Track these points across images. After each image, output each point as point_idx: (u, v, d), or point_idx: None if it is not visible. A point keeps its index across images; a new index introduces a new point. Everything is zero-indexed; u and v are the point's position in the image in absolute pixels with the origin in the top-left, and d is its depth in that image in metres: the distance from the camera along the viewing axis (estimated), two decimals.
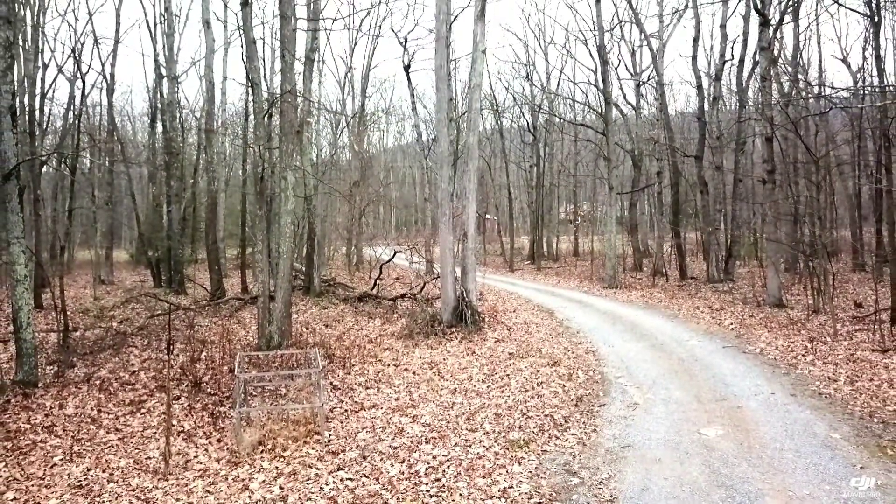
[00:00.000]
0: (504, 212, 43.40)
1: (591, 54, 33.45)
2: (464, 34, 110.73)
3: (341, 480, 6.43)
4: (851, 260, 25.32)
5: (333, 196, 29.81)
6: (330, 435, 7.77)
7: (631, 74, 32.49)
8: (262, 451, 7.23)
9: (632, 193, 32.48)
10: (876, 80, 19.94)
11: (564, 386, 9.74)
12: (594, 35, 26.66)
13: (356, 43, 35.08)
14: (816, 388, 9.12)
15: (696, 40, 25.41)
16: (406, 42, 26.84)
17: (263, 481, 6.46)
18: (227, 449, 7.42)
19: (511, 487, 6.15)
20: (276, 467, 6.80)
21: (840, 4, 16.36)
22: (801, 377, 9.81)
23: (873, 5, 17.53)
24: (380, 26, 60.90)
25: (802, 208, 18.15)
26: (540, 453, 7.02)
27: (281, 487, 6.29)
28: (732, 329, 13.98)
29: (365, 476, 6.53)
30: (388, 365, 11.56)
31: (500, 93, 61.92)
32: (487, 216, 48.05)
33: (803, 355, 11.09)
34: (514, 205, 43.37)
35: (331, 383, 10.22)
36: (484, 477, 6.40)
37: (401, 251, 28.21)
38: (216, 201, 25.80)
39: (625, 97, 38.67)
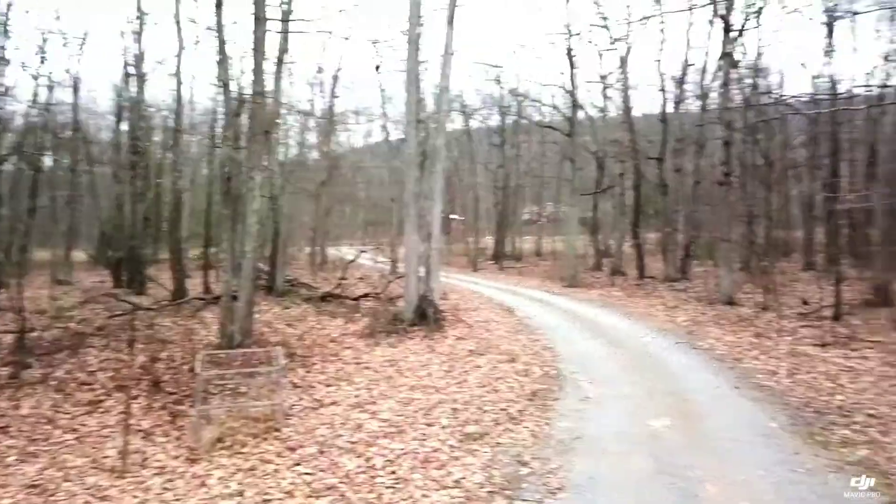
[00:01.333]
0: (470, 212, 43.68)
1: (559, 57, 33.97)
2: (435, 36, 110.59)
3: (299, 475, 6.57)
4: (803, 259, 26.13)
5: (300, 196, 29.73)
6: (289, 431, 7.90)
7: (598, 77, 32.93)
8: (221, 448, 7.34)
9: (595, 194, 32.98)
10: (837, 87, 20.64)
11: (521, 381, 9.99)
12: (563, 38, 27.08)
13: (327, 44, 34.97)
14: (758, 381, 9.54)
15: (661, 45, 26.06)
16: (376, 43, 26.99)
17: (221, 477, 6.57)
18: (186, 447, 7.50)
19: (464, 478, 6.34)
20: (235, 463, 6.91)
21: (797, 13, 16.94)
22: (745, 371, 10.23)
23: (829, 16, 18.25)
24: (351, 28, 60.63)
25: (757, 209, 18.76)
26: (494, 445, 7.22)
27: (239, 483, 6.41)
28: (685, 326, 14.45)
29: (322, 470, 6.68)
30: (349, 363, 11.72)
31: (470, 94, 62.17)
32: (453, 216, 48.28)
33: (749, 350, 11.55)
34: (479, 205, 43.69)
35: (291, 381, 10.32)
36: (439, 469, 6.59)
37: (366, 251, 28.28)
38: (181, 201, 25.55)
39: (591, 100, 39.33)
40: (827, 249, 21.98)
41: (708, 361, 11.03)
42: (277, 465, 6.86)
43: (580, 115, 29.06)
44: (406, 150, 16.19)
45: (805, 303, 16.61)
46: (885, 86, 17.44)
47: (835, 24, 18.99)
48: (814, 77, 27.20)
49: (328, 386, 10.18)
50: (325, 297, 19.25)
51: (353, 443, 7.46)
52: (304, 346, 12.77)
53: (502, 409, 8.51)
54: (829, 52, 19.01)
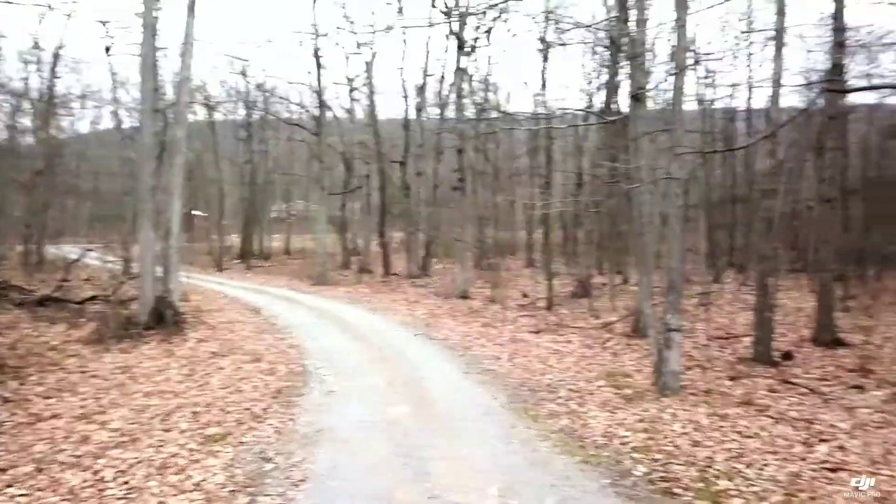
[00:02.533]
0: (215, 209, 41.72)
1: (307, 56, 33.74)
2: (175, 21, 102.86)
3: (11, 498, 5.94)
4: (525, 257, 29.44)
5: (10, 186, 26.01)
6: None
7: (345, 79, 33.52)
8: None
9: (343, 194, 33.65)
10: (558, 104, 23.46)
11: (266, 380, 10.01)
12: (310, 38, 27.12)
13: (44, 16, 30.72)
14: (485, 366, 10.72)
15: (403, 54, 27.42)
16: (107, 23, 24.61)
17: None
18: None
19: (205, 480, 6.24)
20: None
21: (520, 40, 19.05)
22: (474, 357, 11.42)
23: (543, 43, 20.80)
24: (74, 1, 53.87)
25: (486, 213, 20.77)
26: (237, 445, 7.18)
27: None
28: (423, 319, 15.58)
29: (41, 489, 6.11)
30: (74, 372, 10.69)
31: (214, 86, 59.16)
32: (196, 213, 45.75)
33: (478, 339, 12.90)
34: (225, 202, 41.94)
35: (1, 395, 9.16)
36: (177, 474, 6.41)
37: (93, 249, 25.65)
38: None
39: (339, 100, 39.85)
40: (543, 249, 25.02)
41: (443, 350, 12.07)
42: None
43: (328, 115, 29.45)
44: (141, 140, 15.15)
45: (525, 295, 18.87)
46: (588, 109, 20.43)
47: (549, 51, 21.77)
48: (534, 95, 30.79)
49: (47, 398, 9.20)
50: (43, 301, 17.13)
51: (77, 457, 6.91)
52: (17, 357, 11.32)
53: (246, 409, 8.48)
54: (544, 74, 21.76)
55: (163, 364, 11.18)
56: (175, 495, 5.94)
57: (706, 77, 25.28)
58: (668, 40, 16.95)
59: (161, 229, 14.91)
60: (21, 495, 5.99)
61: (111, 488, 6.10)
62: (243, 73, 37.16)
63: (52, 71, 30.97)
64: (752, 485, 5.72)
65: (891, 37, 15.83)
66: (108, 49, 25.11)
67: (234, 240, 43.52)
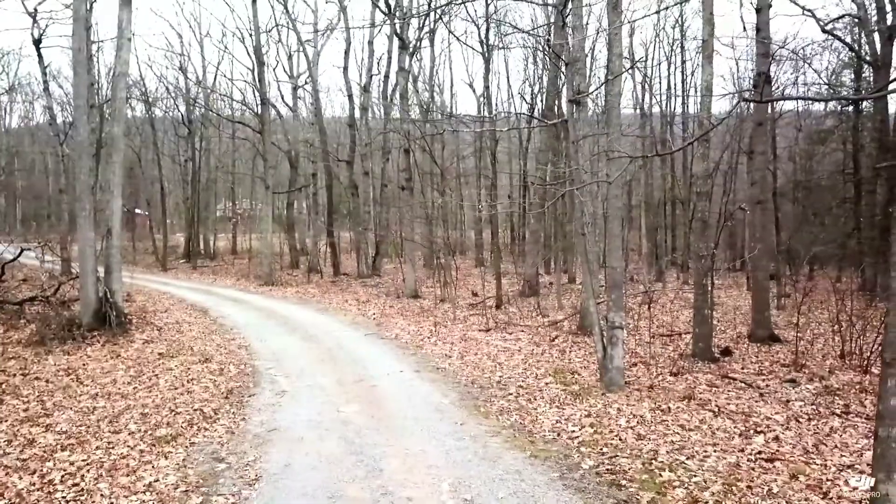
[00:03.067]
0: (157, 207, 40.66)
1: (248, 53, 33.05)
2: (109, 14, 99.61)
3: None
4: (475, 256, 29.75)
5: None
6: None
7: (288, 77, 33.21)
8: None
9: (289, 193, 33.32)
10: (501, 106, 23.80)
11: (215, 381, 9.93)
12: (251, 35, 26.77)
13: None
14: (435, 364, 10.88)
15: (347, 53, 27.25)
16: (36, 14, 23.67)
17: None
18: None
19: (157, 481, 6.21)
20: None
21: (463, 42, 19.27)
22: (425, 356, 11.56)
23: (485, 45, 21.11)
24: None
25: (434, 212, 20.94)
26: (188, 446, 7.15)
27: None
28: (374, 319, 15.62)
29: None
30: (14, 375, 10.38)
31: (152, 81, 57.82)
32: (137, 211, 44.57)
33: (428, 337, 13.04)
34: (168, 200, 40.92)
35: None
36: (128, 475, 6.35)
37: (29, 249, 24.70)
38: None
39: (283, 98, 39.37)
40: (492, 249, 25.38)
41: (393, 349, 12.16)
42: None
43: (272, 113, 29.11)
44: (77, 137, 14.72)
45: (475, 294, 19.12)
46: (530, 112, 20.86)
47: (492, 54, 22.14)
48: (478, 97, 31.13)
49: None
50: None
51: (23, 459, 6.77)
52: None
53: (196, 410, 8.42)
54: (487, 76, 22.05)
55: (109, 366, 10.96)
56: (126, 496, 5.90)
57: (643, 82, 26.12)
58: (606, 45, 17.46)
59: (101, 228, 14.56)
60: None
61: (60, 491, 6.02)
62: (182, 69, 36.40)
63: None
64: (694, 476, 6.03)
65: (811, 49, 16.77)
66: (38, 41, 24.14)
67: (179, 239, 42.52)
